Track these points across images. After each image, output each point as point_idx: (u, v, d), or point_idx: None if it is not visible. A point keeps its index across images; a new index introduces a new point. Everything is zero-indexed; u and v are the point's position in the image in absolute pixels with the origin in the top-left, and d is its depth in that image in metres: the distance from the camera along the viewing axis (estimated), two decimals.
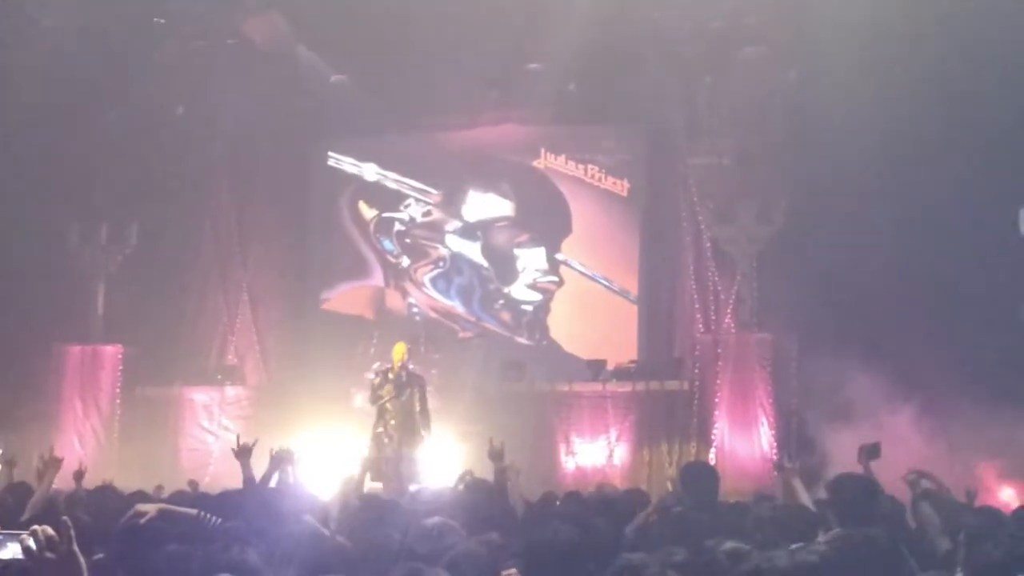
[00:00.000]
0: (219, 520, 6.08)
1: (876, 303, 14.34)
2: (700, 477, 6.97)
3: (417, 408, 13.86)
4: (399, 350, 14.09)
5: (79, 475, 9.71)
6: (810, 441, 14.43)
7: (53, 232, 17.24)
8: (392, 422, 13.67)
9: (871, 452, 7.70)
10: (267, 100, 18.42)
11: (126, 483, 11.45)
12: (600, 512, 6.88)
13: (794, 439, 15.10)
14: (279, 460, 8.76)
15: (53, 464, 8.80)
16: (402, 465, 13.36)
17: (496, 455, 8.33)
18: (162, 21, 17.02)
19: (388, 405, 13.69)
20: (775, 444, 15.09)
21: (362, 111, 18.47)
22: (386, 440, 13.59)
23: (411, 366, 14.25)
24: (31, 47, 16.18)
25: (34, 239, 16.78)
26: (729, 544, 4.87)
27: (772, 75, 16.44)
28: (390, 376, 13.92)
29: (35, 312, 16.35)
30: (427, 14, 16.57)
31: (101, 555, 4.10)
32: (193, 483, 12.41)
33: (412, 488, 12.07)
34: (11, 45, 16.08)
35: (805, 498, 6.58)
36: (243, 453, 8.97)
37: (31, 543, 3.03)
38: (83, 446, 16.82)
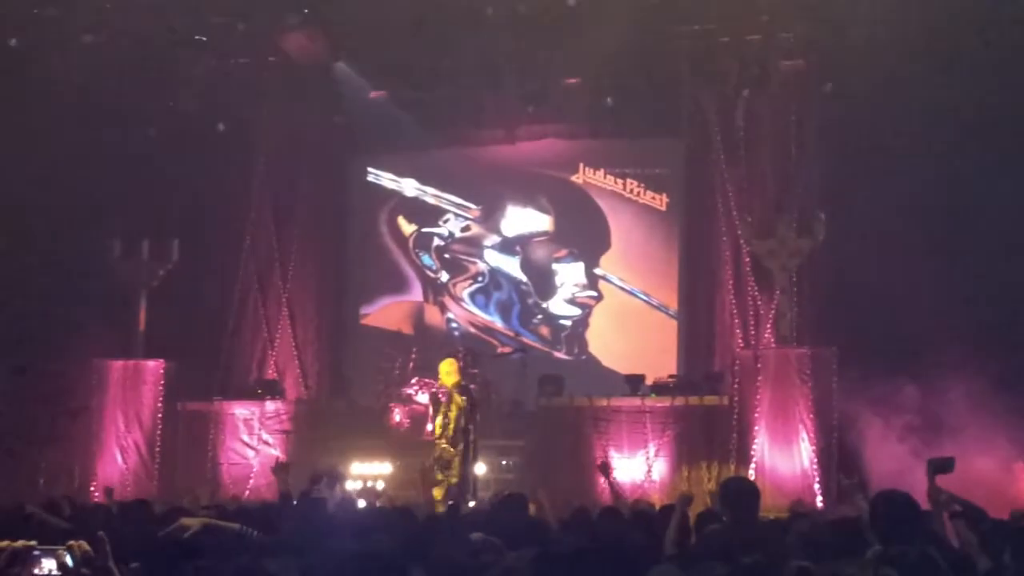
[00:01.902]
0: (259, 534, 6.09)
1: (917, 316, 14.20)
2: (740, 493, 6.90)
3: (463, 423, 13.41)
4: (449, 367, 13.39)
5: (109, 491, 9.79)
6: (853, 457, 14.32)
7: (95, 248, 17.38)
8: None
9: (941, 466, 7.43)
10: (307, 116, 18.57)
11: (167, 497, 11.59)
12: (639, 527, 6.85)
13: (835, 455, 14.98)
14: (323, 478, 8.78)
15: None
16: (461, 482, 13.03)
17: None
18: (203, 38, 17.17)
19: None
20: (817, 461, 14.96)
21: (401, 127, 18.57)
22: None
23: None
24: (73, 64, 16.36)
25: (76, 255, 16.93)
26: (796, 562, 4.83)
27: (809, 88, 16.38)
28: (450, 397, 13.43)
29: (78, 328, 16.47)
30: (465, 30, 16.64)
31: (136, 564, 4.12)
32: (235, 499, 12.46)
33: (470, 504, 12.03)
34: (54, 61, 16.25)
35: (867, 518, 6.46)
36: (280, 470, 9.01)
37: (67, 559, 3.05)
38: (125, 461, 16.94)
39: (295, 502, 8.40)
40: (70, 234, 16.78)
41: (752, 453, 15.33)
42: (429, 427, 15.88)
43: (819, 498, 14.64)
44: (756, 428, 15.40)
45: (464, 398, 12.93)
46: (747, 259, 16.51)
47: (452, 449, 12.78)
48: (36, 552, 3.03)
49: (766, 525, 7.20)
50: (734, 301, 16.60)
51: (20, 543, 3.06)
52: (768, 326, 16.14)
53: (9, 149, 15.91)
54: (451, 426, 12.85)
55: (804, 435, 15.14)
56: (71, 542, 3.09)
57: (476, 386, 16.55)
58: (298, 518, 6.86)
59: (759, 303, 16.36)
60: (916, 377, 14.23)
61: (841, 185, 15.75)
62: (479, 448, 13.92)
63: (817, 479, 14.86)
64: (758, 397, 15.49)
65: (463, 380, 13.46)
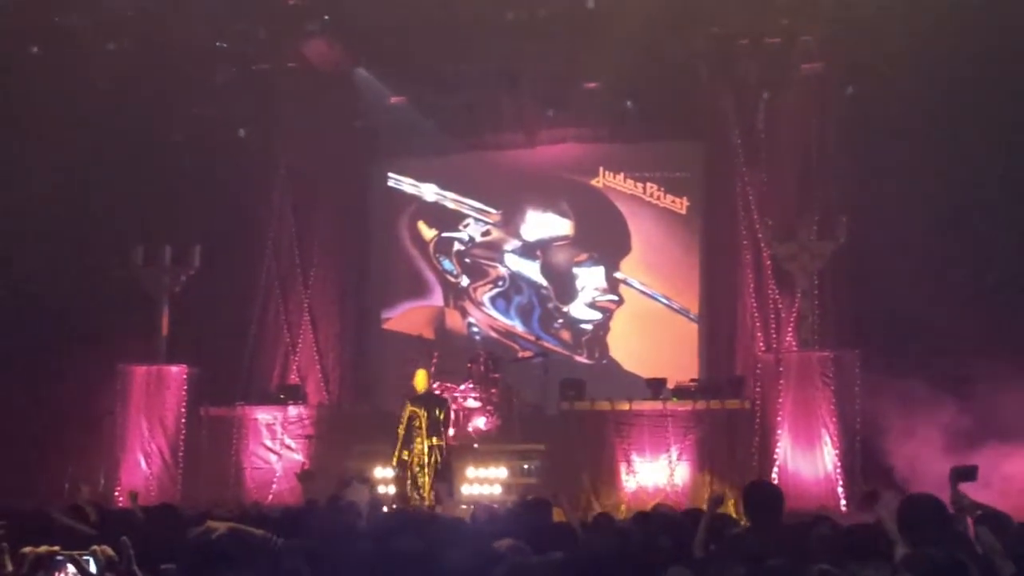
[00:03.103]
0: (282, 540, 6.10)
1: (940, 318, 14.13)
2: (764, 497, 6.87)
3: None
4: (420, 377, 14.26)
5: (134, 496, 9.82)
6: (876, 461, 14.26)
7: (118, 255, 17.47)
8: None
9: (964, 474, 7.38)
10: (327, 122, 18.61)
11: (191, 502, 11.63)
12: (665, 531, 6.83)
13: (858, 458, 14.92)
14: (352, 481, 8.80)
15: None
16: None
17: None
18: (224, 45, 17.25)
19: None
20: (840, 465, 14.90)
21: (421, 132, 18.61)
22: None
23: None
24: (96, 71, 16.45)
25: (99, 262, 17.02)
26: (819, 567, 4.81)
27: (829, 91, 16.33)
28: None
29: (101, 333, 16.56)
30: (485, 35, 16.67)
31: (169, 566, 4.14)
32: (257, 505, 12.49)
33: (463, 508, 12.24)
34: (76, 69, 16.35)
35: (890, 525, 6.42)
36: (305, 477, 9.04)
37: (91, 564, 3.06)
38: (149, 466, 17.01)
39: (324, 506, 8.41)
40: (93, 241, 16.87)
41: (774, 457, 15.28)
42: (451, 431, 15.99)
43: (842, 502, 14.58)
44: (778, 432, 15.35)
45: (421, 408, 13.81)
46: (768, 262, 16.46)
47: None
48: (60, 557, 3.04)
49: (789, 529, 7.16)
50: (755, 304, 16.55)
51: (44, 548, 3.07)
52: (789, 329, 16.09)
53: (32, 156, 16.03)
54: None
55: (827, 439, 15.09)
56: (95, 547, 3.10)
57: (497, 390, 16.62)
58: (328, 522, 6.86)
59: (780, 306, 16.30)
60: (940, 380, 14.13)
61: (862, 187, 15.70)
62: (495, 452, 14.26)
63: (840, 483, 14.80)
64: (780, 401, 15.45)
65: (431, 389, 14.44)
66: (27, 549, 3.07)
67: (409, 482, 13.74)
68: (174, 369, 17.43)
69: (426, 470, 13.69)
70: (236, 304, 18.40)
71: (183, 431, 17.25)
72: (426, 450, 13.74)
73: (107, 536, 4.49)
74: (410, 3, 16.12)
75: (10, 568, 3.12)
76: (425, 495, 13.62)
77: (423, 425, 13.79)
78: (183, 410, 17.34)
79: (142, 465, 17.01)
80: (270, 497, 16.34)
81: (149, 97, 16.92)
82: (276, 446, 17.23)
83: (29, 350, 16.35)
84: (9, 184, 16.06)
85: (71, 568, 3.03)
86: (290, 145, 18.61)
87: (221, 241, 18.08)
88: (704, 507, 7.71)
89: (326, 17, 16.97)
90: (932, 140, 14.80)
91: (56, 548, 3.08)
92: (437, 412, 13.94)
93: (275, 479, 16.95)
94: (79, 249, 16.75)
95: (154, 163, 17.29)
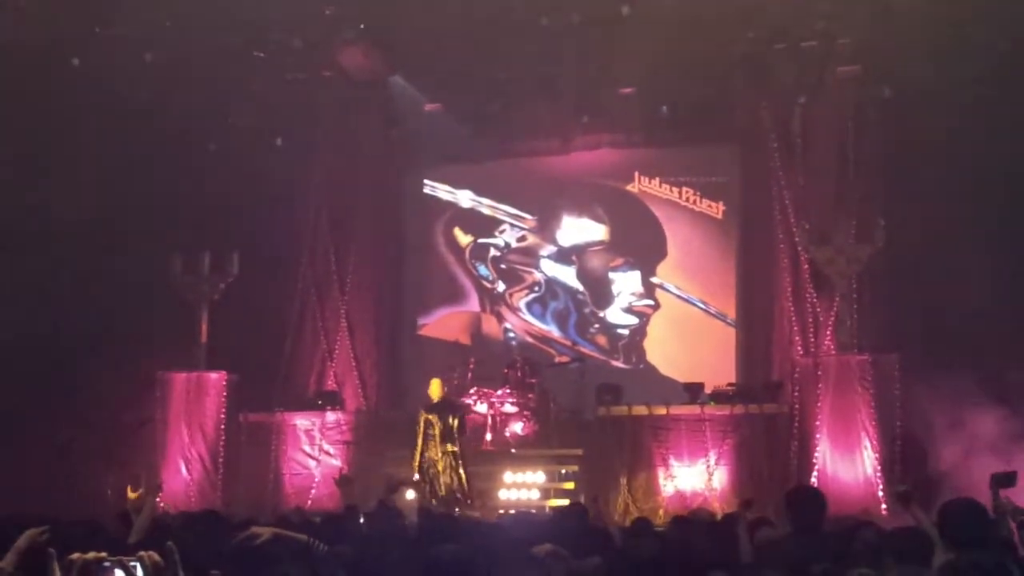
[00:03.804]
0: (326, 547, 6.14)
1: (980, 321, 14.02)
2: (806, 502, 6.84)
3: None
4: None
5: (155, 488, 9.89)
6: (916, 464, 14.16)
7: (157, 263, 17.61)
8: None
9: (1004, 480, 7.33)
10: (363, 130, 18.70)
11: (232, 508, 11.71)
12: (704, 535, 6.83)
13: (898, 462, 14.81)
14: (400, 486, 8.86)
15: (154, 490, 8.97)
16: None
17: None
18: (261, 55, 17.36)
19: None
20: (880, 469, 14.80)
21: (456, 139, 18.65)
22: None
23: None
24: (134, 82, 16.61)
25: (138, 270, 17.15)
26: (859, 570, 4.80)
27: (866, 94, 16.23)
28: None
29: (141, 341, 16.70)
30: (519, 41, 16.69)
31: (216, 572, 4.17)
32: (299, 511, 12.57)
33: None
34: (115, 80, 16.50)
35: (927, 525, 6.41)
36: (344, 483, 9.10)
37: (138, 570, 3.09)
38: (190, 472, 17.14)
39: (373, 511, 8.46)
40: (132, 249, 17.02)
41: (814, 461, 15.19)
42: (488, 436, 16.09)
43: (883, 506, 14.48)
44: (817, 436, 15.27)
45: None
46: (805, 266, 16.37)
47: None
48: (107, 564, 3.07)
49: (830, 534, 7.13)
50: (792, 308, 16.47)
51: (91, 555, 3.10)
52: (828, 333, 15.99)
53: (72, 166, 16.20)
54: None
55: (867, 443, 14.99)
56: (141, 553, 3.12)
57: (534, 395, 16.66)
58: (375, 527, 6.89)
59: (818, 310, 16.21)
60: (980, 383, 14.02)
61: (899, 190, 15.59)
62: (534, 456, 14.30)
63: (881, 487, 14.69)
64: (819, 405, 15.36)
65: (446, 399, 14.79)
66: (74, 555, 3.10)
67: (427, 488, 13.98)
68: (213, 376, 17.54)
69: (442, 477, 13.95)
70: (274, 311, 18.51)
71: (223, 437, 17.36)
72: (440, 456, 14.00)
73: (153, 542, 4.54)
74: (445, 10, 16.16)
75: (58, 575, 3.14)
76: (443, 500, 13.86)
77: (437, 433, 14.05)
78: (222, 416, 17.44)
79: (183, 471, 17.13)
80: (309, 503, 16.42)
81: (186, 107, 17.05)
82: (315, 452, 17.31)
83: (69, 358, 16.51)
84: (49, 193, 16.24)
85: (119, 573, 3.06)
86: (326, 153, 18.71)
87: (259, 248, 18.18)
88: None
89: (362, 25, 17.05)
90: (969, 142, 14.68)
91: (103, 555, 3.10)
92: (451, 420, 14.23)
93: (314, 484, 17.03)
94: (119, 257, 16.89)
95: (192, 172, 17.42)
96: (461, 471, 14.17)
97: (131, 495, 14.21)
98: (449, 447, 14.16)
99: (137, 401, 17.25)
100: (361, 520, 8.22)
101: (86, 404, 16.46)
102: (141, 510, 8.53)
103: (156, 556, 3.13)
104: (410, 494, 12.94)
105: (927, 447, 14.41)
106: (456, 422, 14.30)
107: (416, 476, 14.17)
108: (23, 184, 16.30)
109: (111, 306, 16.76)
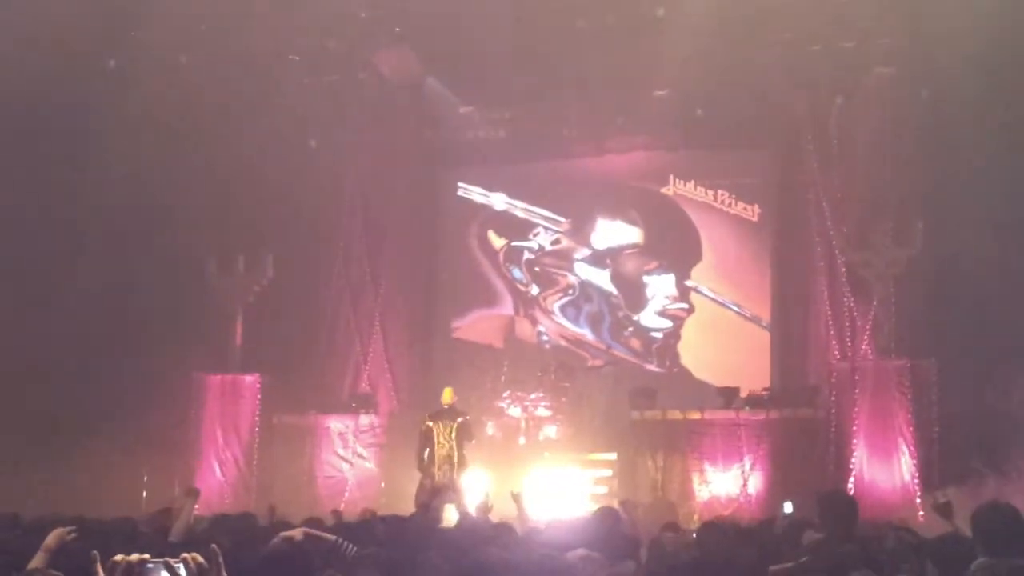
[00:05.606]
0: (355, 548, 6.17)
1: (1018, 325, 13.87)
2: (838, 507, 6.80)
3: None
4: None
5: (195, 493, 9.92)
6: (955, 470, 14.02)
7: (192, 265, 17.70)
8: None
9: None
10: (397, 132, 18.72)
11: (266, 510, 11.72)
12: (738, 541, 6.78)
13: (936, 468, 14.67)
14: (445, 491, 8.88)
15: (192, 494, 9.01)
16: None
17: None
18: (296, 58, 17.42)
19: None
20: (917, 475, 14.67)
21: (490, 141, 18.65)
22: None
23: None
24: (169, 84, 16.70)
25: (174, 272, 17.25)
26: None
27: (903, 95, 16.08)
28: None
29: (176, 343, 16.76)
30: (554, 44, 16.66)
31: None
32: (336, 513, 12.58)
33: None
34: (150, 82, 16.60)
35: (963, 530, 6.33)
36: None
37: (182, 571, 3.09)
38: (224, 473, 17.21)
39: (416, 515, 8.47)
40: (168, 251, 17.11)
41: (851, 467, 15.09)
42: (522, 440, 16.05)
43: (920, 512, 14.34)
44: (854, 441, 15.16)
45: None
46: (842, 269, 16.24)
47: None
48: (150, 565, 3.07)
49: (865, 539, 7.07)
50: (829, 312, 16.34)
51: (135, 557, 3.10)
52: (865, 337, 15.86)
53: (108, 168, 16.28)
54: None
55: (904, 448, 14.86)
56: (184, 554, 3.13)
57: (568, 399, 16.60)
58: (416, 530, 6.90)
59: (855, 314, 16.08)
60: (1019, 388, 13.87)
61: (938, 192, 15.44)
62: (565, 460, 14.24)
63: (918, 493, 14.56)
64: (856, 410, 15.25)
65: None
66: (118, 557, 3.10)
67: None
68: (248, 378, 17.62)
69: (443, 481, 14.03)
70: (308, 313, 18.55)
71: (257, 439, 17.43)
72: (438, 462, 14.14)
73: (193, 544, 4.55)
74: (480, 13, 16.15)
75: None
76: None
77: (436, 439, 14.23)
78: (256, 418, 17.52)
79: (217, 472, 17.21)
80: (342, 505, 16.43)
81: (221, 108, 17.13)
82: (348, 454, 17.34)
83: (104, 360, 16.61)
84: (84, 195, 16.36)
85: (164, 574, 3.06)
86: (361, 155, 18.73)
87: (294, 251, 18.24)
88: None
89: (397, 29, 17.08)
90: (1008, 143, 14.52)
91: (146, 556, 3.10)
92: (451, 426, 14.21)
93: (347, 487, 17.05)
94: (155, 259, 16.98)
95: (228, 174, 17.49)
96: (455, 476, 14.17)
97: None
98: (446, 453, 14.24)
99: (172, 402, 17.33)
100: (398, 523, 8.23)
101: (121, 405, 16.54)
102: (179, 514, 8.57)
103: (200, 557, 3.13)
104: (456, 498, 12.94)
105: (964, 453, 14.25)
106: (453, 429, 14.34)
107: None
108: (59, 187, 16.41)
109: (147, 308, 16.86)
